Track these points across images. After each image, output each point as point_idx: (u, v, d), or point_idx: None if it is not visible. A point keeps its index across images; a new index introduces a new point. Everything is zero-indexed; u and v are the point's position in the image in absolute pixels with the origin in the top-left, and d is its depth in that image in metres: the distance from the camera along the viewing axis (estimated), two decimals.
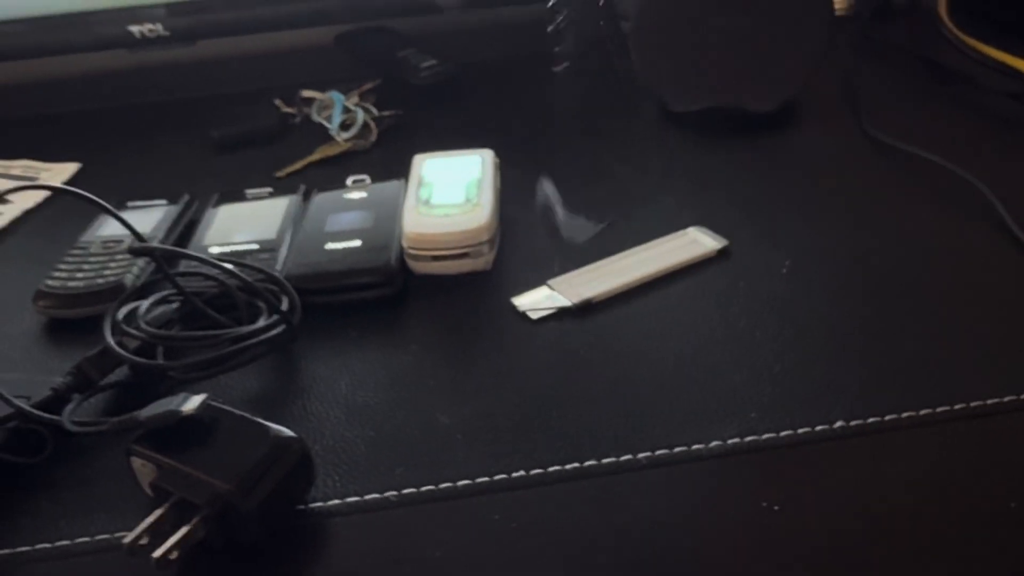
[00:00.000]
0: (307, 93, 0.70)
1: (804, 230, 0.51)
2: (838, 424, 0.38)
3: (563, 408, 0.40)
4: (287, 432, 0.35)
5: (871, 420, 0.38)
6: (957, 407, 0.38)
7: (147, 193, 0.57)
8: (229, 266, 0.47)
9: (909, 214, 0.52)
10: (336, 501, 0.36)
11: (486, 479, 0.37)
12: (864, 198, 0.54)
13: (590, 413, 0.39)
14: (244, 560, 0.34)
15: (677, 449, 0.37)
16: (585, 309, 0.46)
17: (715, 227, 0.51)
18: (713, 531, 0.34)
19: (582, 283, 0.48)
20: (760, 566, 0.32)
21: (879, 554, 0.32)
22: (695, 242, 0.51)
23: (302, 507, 0.36)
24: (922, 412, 0.38)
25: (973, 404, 0.38)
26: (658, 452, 0.37)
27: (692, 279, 0.48)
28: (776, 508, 0.34)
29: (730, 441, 0.37)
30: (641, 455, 0.37)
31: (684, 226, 0.52)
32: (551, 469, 0.37)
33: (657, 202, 0.55)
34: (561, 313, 0.46)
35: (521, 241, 0.52)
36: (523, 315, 0.46)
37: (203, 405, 0.35)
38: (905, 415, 0.38)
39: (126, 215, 0.55)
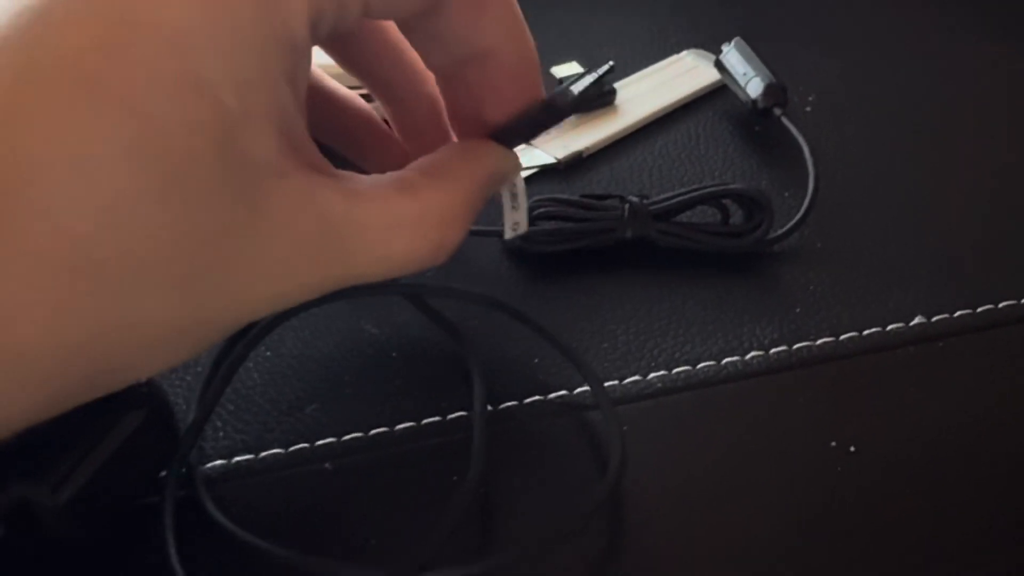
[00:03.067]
0: None
1: (825, 59, 0.39)
2: None
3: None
4: None
5: None
6: None
7: None
8: None
9: (942, 40, 0.41)
10: (219, 462, 0.24)
11: None
12: (901, 27, 0.42)
13: None
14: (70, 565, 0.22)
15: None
16: (574, 166, 0.34)
17: (713, 51, 0.39)
18: None
19: (566, 132, 0.35)
20: None
21: None
22: (694, 70, 0.39)
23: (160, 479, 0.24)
24: None
25: None
26: None
27: (698, 116, 0.36)
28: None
29: None
30: None
31: (677, 50, 0.39)
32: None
33: (639, 23, 0.42)
34: (545, 173, 0.34)
35: None
36: None
37: None
38: None
39: None
